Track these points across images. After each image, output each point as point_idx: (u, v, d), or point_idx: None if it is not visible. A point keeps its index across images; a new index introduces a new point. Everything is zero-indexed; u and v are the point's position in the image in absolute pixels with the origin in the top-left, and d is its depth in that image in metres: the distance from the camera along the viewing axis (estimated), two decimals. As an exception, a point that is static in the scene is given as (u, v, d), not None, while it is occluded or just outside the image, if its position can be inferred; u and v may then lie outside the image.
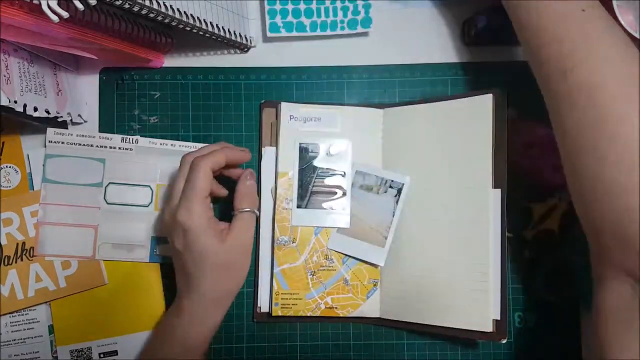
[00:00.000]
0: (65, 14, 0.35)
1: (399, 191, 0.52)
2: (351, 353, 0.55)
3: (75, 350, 0.53)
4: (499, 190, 0.48)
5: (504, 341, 0.48)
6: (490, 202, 0.48)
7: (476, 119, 0.50)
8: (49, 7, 0.34)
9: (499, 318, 0.48)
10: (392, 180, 0.52)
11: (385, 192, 0.52)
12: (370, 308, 0.53)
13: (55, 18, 0.35)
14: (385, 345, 0.55)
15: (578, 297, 0.55)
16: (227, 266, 0.45)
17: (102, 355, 0.53)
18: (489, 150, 0.49)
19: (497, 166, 0.48)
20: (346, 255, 0.53)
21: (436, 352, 0.55)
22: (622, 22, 0.47)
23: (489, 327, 0.48)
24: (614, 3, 0.48)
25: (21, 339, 0.52)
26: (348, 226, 0.53)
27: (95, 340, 0.53)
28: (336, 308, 0.53)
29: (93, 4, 0.36)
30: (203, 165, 0.44)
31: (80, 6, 0.36)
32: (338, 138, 0.54)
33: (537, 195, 0.55)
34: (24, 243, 0.52)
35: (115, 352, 0.53)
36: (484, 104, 0.49)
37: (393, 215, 0.52)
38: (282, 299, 0.52)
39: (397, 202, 0.52)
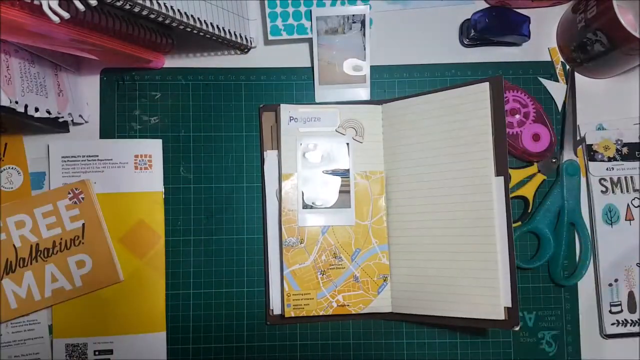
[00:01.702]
0: (66, 15, 0.35)
1: (363, 23, 0.52)
2: (362, 352, 0.55)
3: (71, 344, 0.53)
4: (501, 178, 0.48)
5: (517, 328, 0.47)
6: (493, 190, 0.48)
7: (474, 108, 0.50)
8: (49, 7, 0.35)
9: (510, 305, 0.47)
10: (353, 15, 0.52)
11: (350, 28, 0.52)
12: (382, 303, 0.53)
13: (56, 19, 0.35)
14: (395, 345, 0.55)
15: (547, 264, 0.55)
16: None
17: (97, 353, 0.53)
18: (489, 138, 0.49)
19: (498, 154, 0.48)
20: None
21: (446, 352, 0.55)
22: (622, 22, 0.47)
23: (500, 315, 0.47)
24: (614, 3, 0.48)
25: (22, 339, 0.53)
26: (353, 223, 0.53)
27: (92, 337, 0.53)
28: (348, 305, 0.53)
29: (94, 5, 0.36)
30: None
31: (81, 7, 0.36)
32: (338, 137, 0.54)
33: (516, 163, 0.56)
34: (37, 244, 0.53)
35: (110, 351, 0.53)
36: (481, 92, 0.49)
37: (364, 49, 0.53)
38: (293, 299, 0.52)
39: (364, 34, 0.53)
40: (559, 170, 0.55)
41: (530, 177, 0.55)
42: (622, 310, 0.54)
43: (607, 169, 0.55)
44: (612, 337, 0.54)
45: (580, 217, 0.55)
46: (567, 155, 0.55)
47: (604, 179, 0.55)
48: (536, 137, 0.54)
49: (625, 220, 0.55)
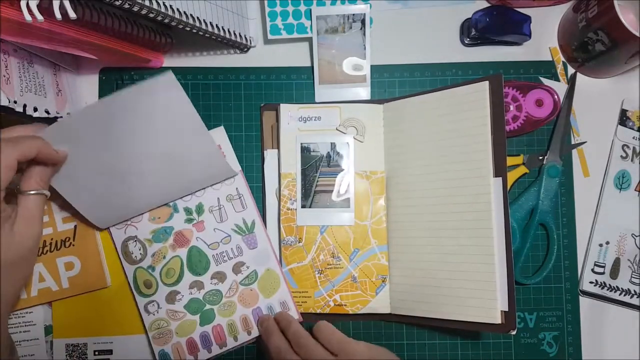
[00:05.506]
0: (39, 17, 0.35)
1: (363, 22, 0.53)
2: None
3: (71, 344, 0.53)
4: (499, 179, 0.48)
5: (514, 332, 0.46)
6: (492, 192, 0.48)
7: (473, 107, 0.49)
8: (27, 7, 0.34)
9: (507, 309, 0.47)
10: (353, 14, 0.52)
11: (351, 28, 0.53)
12: (380, 304, 0.53)
13: (29, 18, 0.35)
14: (396, 345, 0.54)
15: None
16: (14, 263, 0.38)
17: (96, 353, 0.53)
18: (487, 138, 0.48)
19: (497, 154, 0.48)
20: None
21: (446, 352, 0.54)
22: (623, 21, 0.47)
23: (496, 320, 0.47)
24: (615, 2, 0.48)
25: (17, 341, 0.52)
26: (353, 223, 0.53)
27: (92, 337, 0.53)
28: (345, 305, 0.53)
29: (73, 18, 0.36)
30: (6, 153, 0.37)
31: (58, 16, 0.36)
32: (339, 136, 0.54)
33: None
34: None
35: (110, 352, 0.53)
36: (480, 91, 0.49)
37: (365, 48, 0.53)
38: (292, 297, 0.53)
39: (364, 33, 0.53)
40: (541, 169, 0.55)
41: (514, 166, 0.55)
42: (604, 273, 0.55)
43: (633, 138, 0.57)
44: (586, 294, 0.55)
45: (552, 220, 0.55)
46: (552, 157, 0.55)
47: (627, 146, 0.56)
48: (539, 103, 0.55)
49: (635, 190, 0.56)
